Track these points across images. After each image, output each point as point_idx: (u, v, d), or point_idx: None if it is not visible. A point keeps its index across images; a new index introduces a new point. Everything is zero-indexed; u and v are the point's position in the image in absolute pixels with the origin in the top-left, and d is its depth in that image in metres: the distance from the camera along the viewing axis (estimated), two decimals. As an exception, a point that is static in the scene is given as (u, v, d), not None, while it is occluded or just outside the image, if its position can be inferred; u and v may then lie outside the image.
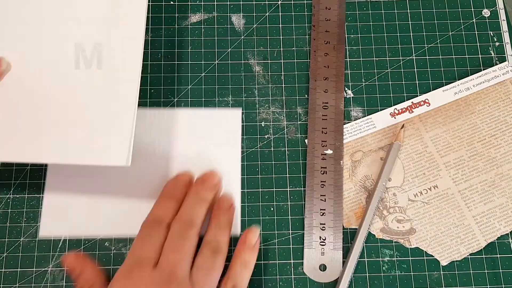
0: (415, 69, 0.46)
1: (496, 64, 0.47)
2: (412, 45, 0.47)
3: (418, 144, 0.44)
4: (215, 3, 0.48)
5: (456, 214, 0.42)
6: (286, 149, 0.44)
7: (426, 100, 0.45)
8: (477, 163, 0.43)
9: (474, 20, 0.48)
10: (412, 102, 0.45)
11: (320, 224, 0.41)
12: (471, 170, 0.43)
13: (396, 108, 0.45)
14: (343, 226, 0.42)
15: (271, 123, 0.45)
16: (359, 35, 0.48)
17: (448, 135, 0.44)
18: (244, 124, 0.45)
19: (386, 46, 0.47)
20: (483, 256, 0.42)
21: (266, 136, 0.45)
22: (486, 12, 0.48)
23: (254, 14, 0.48)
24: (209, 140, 0.43)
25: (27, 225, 0.42)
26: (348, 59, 0.47)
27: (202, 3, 0.48)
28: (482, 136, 0.44)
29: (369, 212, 0.41)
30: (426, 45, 0.47)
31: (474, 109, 0.44)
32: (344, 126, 0.44)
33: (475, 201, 0.42)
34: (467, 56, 0.47)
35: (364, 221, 0.41)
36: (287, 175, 0.44)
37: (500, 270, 0.41)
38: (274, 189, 0.43)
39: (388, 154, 0.43)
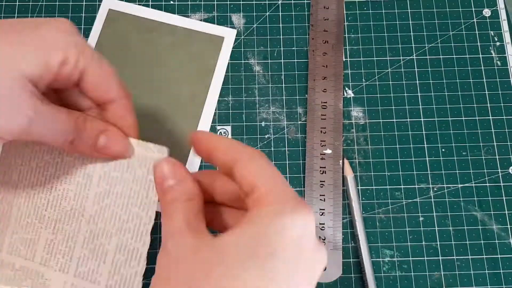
0: (416, 69, 0.46)
1: (497, 65, 0.46)
2: (413, 45, 0.47)
3: None
4: (215, 2, 0.48)
5: None
6: (286, 149, 0.44)
7: None
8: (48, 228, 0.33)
9: (474, 20, 0.48)
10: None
11: (320, 224, 0.41)
12: (60, 245, 0.32)
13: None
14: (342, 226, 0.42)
15: (271, 123, 0.45)
16: (359, 35, 0.47)
17: None
18: (244, 124, 0.45)
19: (387, 46, 0.47)
20: (484, 256, 0.42)
21: (266, 136, 0.45)
22: (486, 12, 0.48)
23: (254, 13, 0.48)
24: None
25: (27, 225, 0.42)
26: (348, 59, 0.47)
27: (202, 2, 0.48)
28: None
29: (362, 245, 0.41)
30: (426, 45, 0.47)
31: None
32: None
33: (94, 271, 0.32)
34: (467, 56, 0.47)
35: (362, 254, 0.41)
36: (287, 175, 0.43)
37: (501, 271, 0.41)
38: (274, 189, 0.43)
39: (348, 188, 0.43)
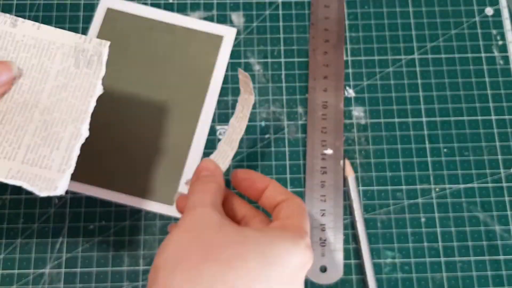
0: (417, 68, 0.46)
1: (500, 64, 0.46)
2: (414, 44, 0.47)
3: None
4: (215, 1, 0.48)
5: None
6: (287, 149, 0.44)
7: None
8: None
9: (477, 19, 0.48)
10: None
11: (320, 224, 0.41)
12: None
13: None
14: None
15: (272, 122, 0.45)
16: (360, 34, 0.47)
17: None
18: (244, 123, 0.44)
19: (388, 45, 0.47)
20: (486, 257, 0.41)
21: (266, 136, 0.44)
22: (489, 11, 0.48)
23: (254, 12, 0.48)
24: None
25: (25, 226, 0.41)
26: (349, 58, 0.46)
27: (202, 1, 0.48)
28: None
29: (363, 246, 0.41)
30: (428, 44, 0.47)
31: None
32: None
33: None
34: (469, 55, 0.46)
35: (363, 253, 0.41)
36: (288, 176, 0.43)
37: (503, 272, 0.41)
38: (274, 190, 0.43)
39: (349, 189, 0.42)
